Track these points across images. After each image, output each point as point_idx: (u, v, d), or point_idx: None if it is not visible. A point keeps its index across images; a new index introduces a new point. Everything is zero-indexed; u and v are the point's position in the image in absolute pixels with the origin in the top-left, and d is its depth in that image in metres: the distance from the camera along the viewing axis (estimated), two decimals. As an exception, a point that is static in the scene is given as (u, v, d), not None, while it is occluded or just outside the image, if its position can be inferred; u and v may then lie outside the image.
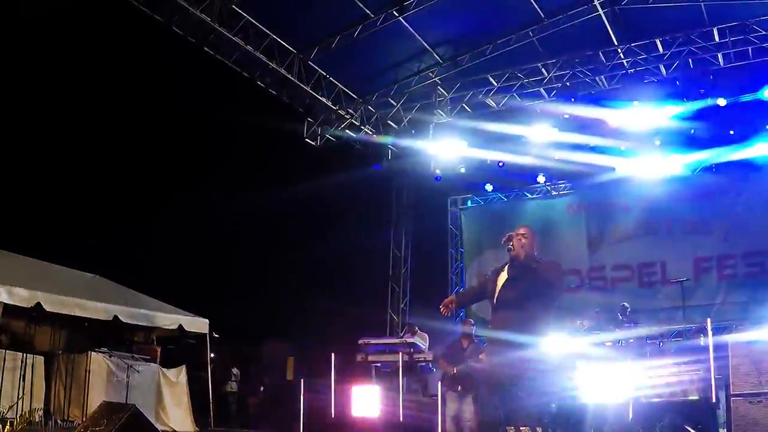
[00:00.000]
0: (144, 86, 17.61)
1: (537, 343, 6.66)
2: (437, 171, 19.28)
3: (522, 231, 7.16)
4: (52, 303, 13.78)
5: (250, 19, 15.46)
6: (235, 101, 18.12)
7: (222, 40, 15.43)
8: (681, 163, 18.21)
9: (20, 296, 13.21)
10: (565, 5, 15.67)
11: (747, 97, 15.98)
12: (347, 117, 18.67)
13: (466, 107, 18.21)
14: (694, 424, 9.78)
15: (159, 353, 16.43)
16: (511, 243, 7.07)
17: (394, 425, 12.09)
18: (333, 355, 13.13)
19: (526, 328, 6.73)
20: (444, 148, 18.75)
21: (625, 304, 14.82)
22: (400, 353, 12.92)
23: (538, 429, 6.65)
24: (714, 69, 15.93)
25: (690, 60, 15.81)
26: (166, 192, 19.36)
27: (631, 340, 13.10)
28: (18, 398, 12.79)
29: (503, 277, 7.15)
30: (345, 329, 16.46)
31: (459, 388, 11.53)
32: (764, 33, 14.88)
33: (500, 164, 19.24)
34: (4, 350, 13.21)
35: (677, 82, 16.36)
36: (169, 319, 16.32)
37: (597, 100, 17.09)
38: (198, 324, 16.89)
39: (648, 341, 13.15)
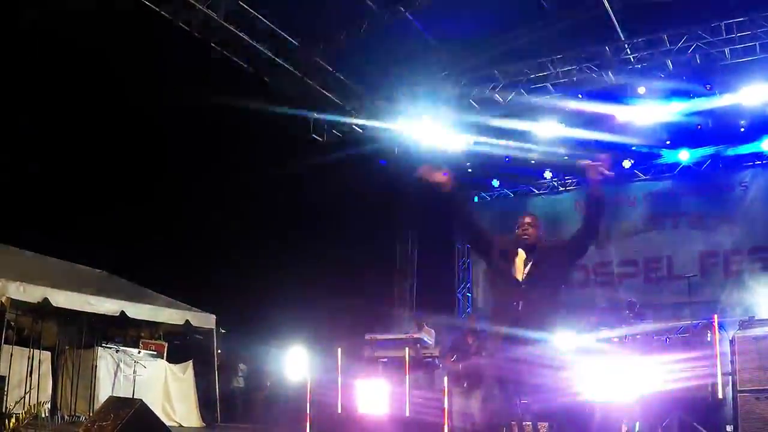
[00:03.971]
0: (150, 82, 17.61)
1: (545, 338, 6.60)
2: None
3: (528, 220, 7.08)
4: (60, 298, 13.84)
5: (257, 15, 15.47)
6: (240, 97, 18.11)
7: (228, 36, 15.46)
8: (688, 157, 18.20)
9: (28, 292, 13.27)
10: (572, 0, 15.64)
11: (754, 92, 15.93)
12: (354, 112, 18.68)
13: (473, 102, 18.18)
14: (701, 421, 9.79)
15: (166, 348, 16.50)
16: (524, 233, 6.96)
17: (400, 421, 12.10)
18: (339, 350, 13.15)
19: (541, 321, 6.65)
20: (451, 143, 18.76)
21: (633, 299, 14.81)
22: (407, 349, 12.92)
23: (539, 425, 6.63)
24: (722, 64, 15.88)
25: (697, 55, 15.76)
26: (173, 187, 19.35)
27: (638, 336, 13.09)
28: (25, 393, 12.85)
29: (521, 260, 6.84)
30: (351, 325, 16.46)
31: (465, 384, 11.55)
32: (772, 28, 14.86)
33: (506, 159, 19.32)
34: (11, 345, 13.27)
35: (684, 77, 16.32)
36: (176, 314, 16.37)
37: (604, 95, 17.04)
38: (205, 319, 16.95)
39: (654, 337, 13.11)
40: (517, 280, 6.73)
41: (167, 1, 14.37)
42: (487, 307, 20.92)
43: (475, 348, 11.75)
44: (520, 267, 6.79)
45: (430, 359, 13.51)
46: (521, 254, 6.82)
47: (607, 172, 6.62)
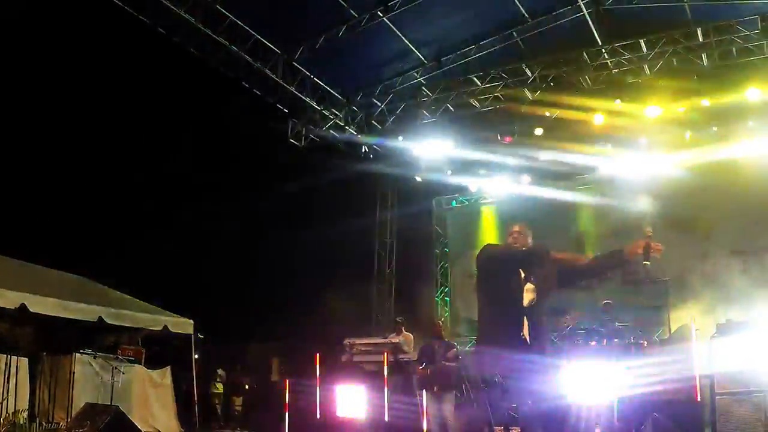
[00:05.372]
0: (127, 87, 17.56)
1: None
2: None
3: (517, 228, 7.08)
4: (37, 304, 13.71)
5: (235, 19, 15.45)
6: (219, 102, 18.09)
7: (206, 41, 15.41)
8: (665, 161, 18.26)
9: (5, 297, 13.14)
10: (549, 6, 15.69)
11: (730, 96, 16.03)
12: (332, 117, 18.67)
13: (451, 107, 18.23)
14: (679, 423, 9.81)
15: (144, 354, 16.39)
16: (514, 242, 6.96)
17: (379, 425, 12.09)
18: (318, 355, 13.13)
19: (544, 336, 6.68)
20: (429, 148, 18.81)
21: (609, 301, 14.85)
22: (385, 353, 12.92)
23: (512, 429, 6.61)
24: (698, 69, 15.96)
25: (674, 60, 15.84)
26: (150, 192, 19.30)
27: (616, 339, 13.13)
28: (2, 400, 12.75)
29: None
30: (330, 329, 16.44)
31: (435, 389, 11.59)
32: (748, 33, 14.93)
33: (481, 176, 19.51)
34: (-12, 352, 13.17)
35: (661, 82, 16.38)
36: (153, 319, 16.27)
37: (580, 100, 17.09)
38: (183, 325, 16.85)
39: (632, 340, 13.16)
40: (522, 299, 6.68)
41: (145, 5, 14.31)
42: (466, 311, 20.99)
43: (441, 353, 11.80)
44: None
45: (408, 364, 13.51)
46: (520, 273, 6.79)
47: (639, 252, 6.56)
